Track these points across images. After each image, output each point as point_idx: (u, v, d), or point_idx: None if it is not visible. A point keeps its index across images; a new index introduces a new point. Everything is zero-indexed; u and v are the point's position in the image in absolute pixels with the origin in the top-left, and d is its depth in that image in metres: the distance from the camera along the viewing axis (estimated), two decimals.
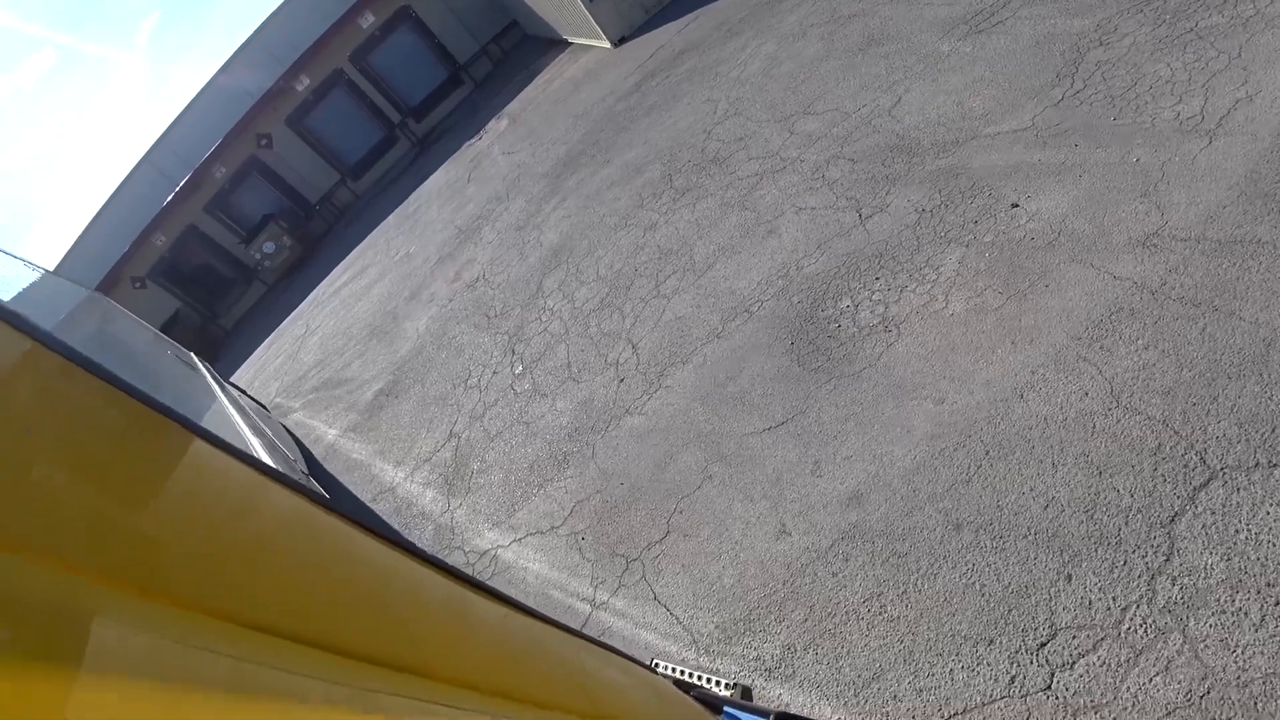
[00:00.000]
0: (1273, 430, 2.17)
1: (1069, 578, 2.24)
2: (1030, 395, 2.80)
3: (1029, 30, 4.51)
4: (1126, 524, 2.23)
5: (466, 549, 4.47)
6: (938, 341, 3.30)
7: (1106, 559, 2.20)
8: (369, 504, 5.70)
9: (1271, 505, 2.03)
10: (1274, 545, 1.96)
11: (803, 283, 4.22)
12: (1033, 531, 2.41)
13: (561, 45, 14.71)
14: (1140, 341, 2.66)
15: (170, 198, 17.43)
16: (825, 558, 2.85)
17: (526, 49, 17.37)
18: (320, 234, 18.32)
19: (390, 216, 14.31)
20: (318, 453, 7.36)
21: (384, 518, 5.38)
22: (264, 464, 0.80)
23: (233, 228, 18.10)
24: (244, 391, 9.37)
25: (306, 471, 6.55)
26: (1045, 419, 2.68)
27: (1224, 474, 2.16)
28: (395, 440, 6.38)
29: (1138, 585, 2.10)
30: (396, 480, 5.80)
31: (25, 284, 6.57)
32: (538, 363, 5.63)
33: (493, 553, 4.27)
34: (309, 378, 9.69)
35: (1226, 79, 3.24)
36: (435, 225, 11.31)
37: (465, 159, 13.40)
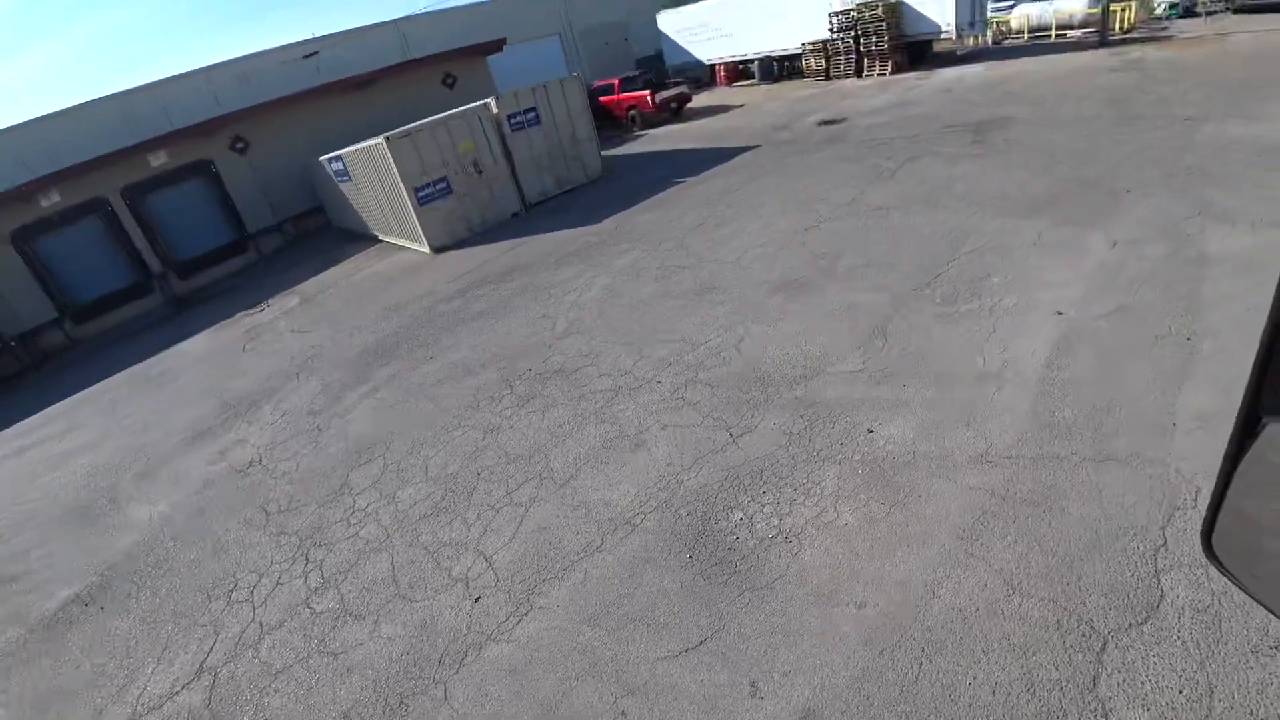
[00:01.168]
0: (1128, 596, 3.14)
1: None
2: (941, 591, 3.53)
3: (838, 299, 6.46)
4: (1064, 694, 2.87)
5: None
6: (841, 550, 3.99)
7: None
8: None
9: (1155, 656, 2.87)
10: (1172, 690, 2.75)
11: (686, 496, 4.76)
12: (992, 719, 2.90)
13: (369, 240, 15.53)
14: (1009, 537, 3.67)
15: None
16: None
17: (328, 236, 18.11)
18: (8, 376, 15.21)
19: (121, 374, 12.26)
20: None
21: None
22: None
23: None
24: None
25: None
26: (962, 611, 3.39)
27: (1112, 636, 3.01)
28: (95, 675, 4.65)
29: None
30: None
31: None
32: (347, 574, 4.93)
33: None
34: None
35: (992, 345, 5.10)
36: (190, 393, 9.84)
37: (239, 328, 12.43)
